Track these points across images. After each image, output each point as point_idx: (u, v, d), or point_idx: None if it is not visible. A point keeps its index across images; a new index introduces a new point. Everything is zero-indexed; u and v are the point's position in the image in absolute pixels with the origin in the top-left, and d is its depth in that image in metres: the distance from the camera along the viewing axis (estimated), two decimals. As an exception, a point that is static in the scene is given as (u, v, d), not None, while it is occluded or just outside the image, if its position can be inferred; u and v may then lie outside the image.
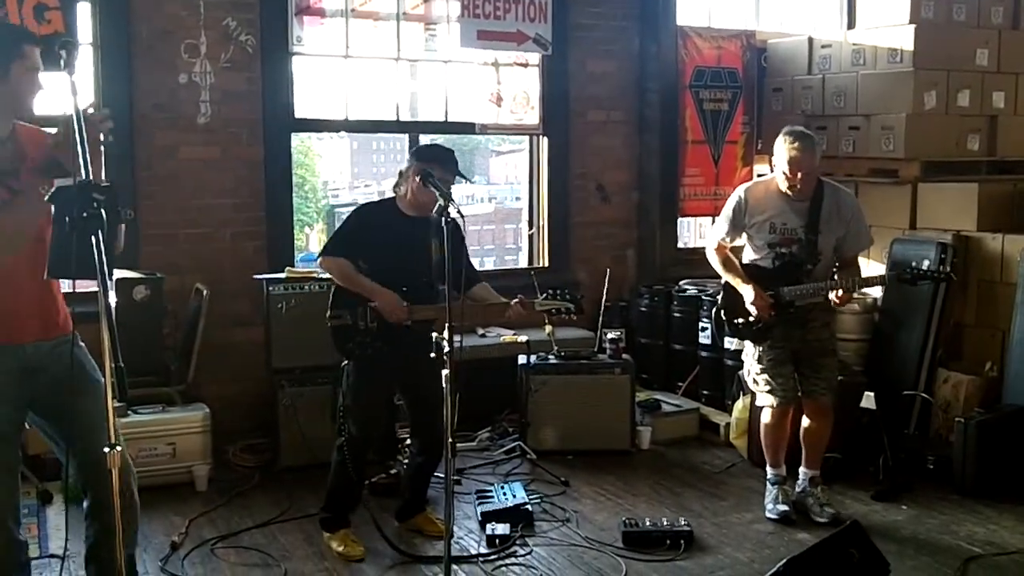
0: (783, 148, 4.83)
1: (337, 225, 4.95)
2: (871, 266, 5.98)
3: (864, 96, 6.84)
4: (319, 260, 4.73)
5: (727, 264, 5.07)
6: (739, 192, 5.09)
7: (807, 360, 5.00)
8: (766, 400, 5.06)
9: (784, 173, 4.83)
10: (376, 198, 5.31)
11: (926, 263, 4.58)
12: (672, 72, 7.53)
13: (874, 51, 6.79)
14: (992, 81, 6.83)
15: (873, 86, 6.78)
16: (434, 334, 4.21)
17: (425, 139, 6.93)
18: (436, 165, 4.49)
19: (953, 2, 6.87)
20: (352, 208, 5.12)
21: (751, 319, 4.97)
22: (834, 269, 4.92)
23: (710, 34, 7.73)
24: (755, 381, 5.09)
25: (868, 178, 6.75)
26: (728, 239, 5.09)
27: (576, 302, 4.65)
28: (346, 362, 4.73)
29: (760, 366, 5.03)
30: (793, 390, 5.02)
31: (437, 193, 4.15)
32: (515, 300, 4.61)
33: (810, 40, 7.34)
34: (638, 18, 7.49)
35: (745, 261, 5.09)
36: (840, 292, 4.75)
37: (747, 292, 4.92)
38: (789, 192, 4.87)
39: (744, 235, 5.07)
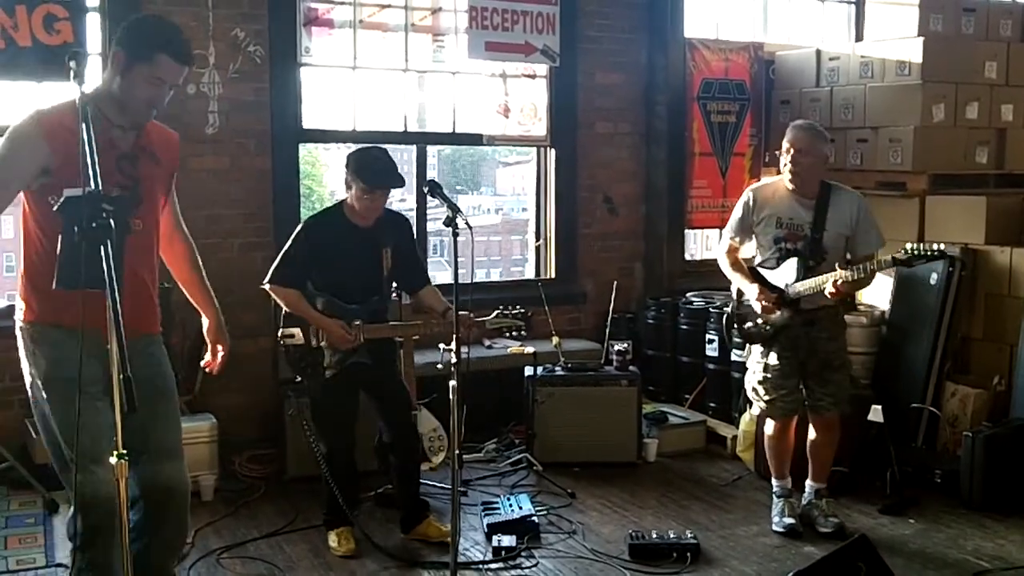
0: (787, 132, 4.94)
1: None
2: (880, 279, 5.96)
3: (872, 109, 6.83)
4: (267, 285, 4.70)
5: (735, 265, 5.10)
6: (747, 192, 5.16)
7: (814, 374, 4.99)
8: (757, 410, 5.08)
9: (786, 152, 4.89)
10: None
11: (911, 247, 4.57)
12: (680, 84, 7.54)
13: (882, 63, 6.79)
14: (1000, 94, 6.82)
15: (881, 99, 6.78)
16: (441, 345, 4.23)
17: (432, 150, 6.94)
18: (358, 180, 4.47)
19: (962, 15, 6.87)
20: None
21: (759, 322, 4.98)
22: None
23: (718, 46, 7.73)
24: (753, 390, 5.10)
25: (876, 191, 6.73)
26: (738, 240, 5.12)
27: (526, 320, 4.66)
28: (300, 379, 4.79)
29: (762, 375, 5.03)
30: (793, 404, 5.01)
31: (445, 205, 4.11)
32: (461, 313, 4.57)
33: (818, 52, 7.34)
34: (646, 30, 7.50)
35: (753, 264, 5.13)
36: (839, 282, 4.61)
37: (751, 289, 4.94)
38: (788, 176, 4.90)
39: (753, 238, 5.09)
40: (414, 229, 4.20)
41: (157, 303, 3.50)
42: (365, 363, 4.63)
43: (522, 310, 4.69)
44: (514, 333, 4.66)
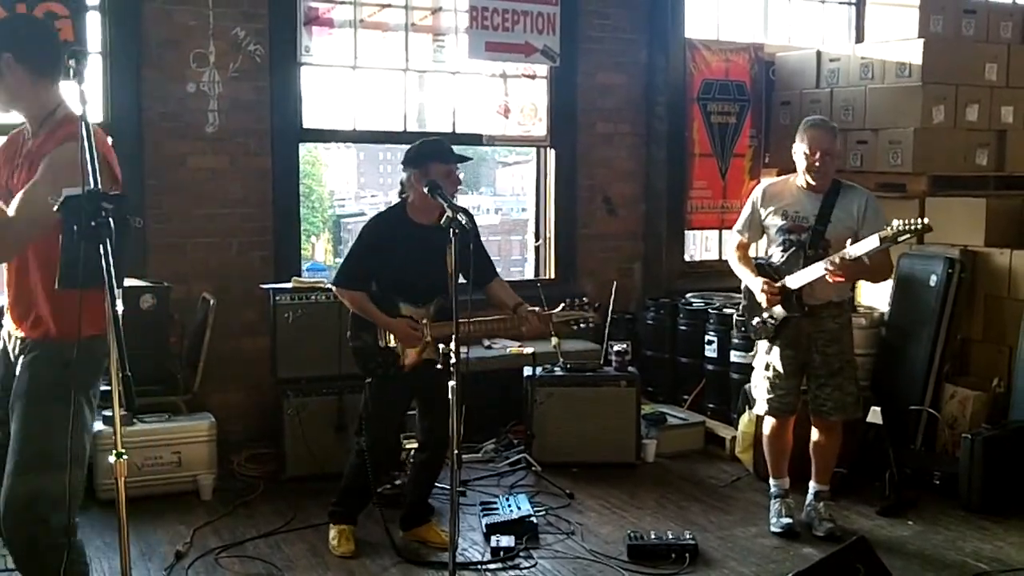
0: (802, 131, 4.90)
1: (343, 236, 4.90)
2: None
3: (872, 110, 6.83)
4: (334, 288, 4.73)
5: (743, 260, 5.11)
6: (757, 189, 5.17)
7: (815, 377, 4.99)
8: (759, 408, 5.10)
9: (805, 154, 4.85)
10: (383, 208, 5.25)
11: (897, 223, 4.52)
12: (680, 85, 7.54)
13: (882, 65, 6.78)
14: (1001, 96, 6.82)
15: (881, 100, 6.78)
16: (441, 345, 4.22)
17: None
18: (434, 162, 4.48)
19: (962, 17, 6.87)
20: (358, 218, 5.06)
21: (764, 316, 4.98)
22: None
23: (718, 47, 7.73)
24: (755, 386, 5.12)
25: (876, 192, 6.67)
26: (746, 236, 5.13)
27: (595, 311, 4.65)
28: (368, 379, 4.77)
29: (763, 372, 5.04)
30: (790, 404, 5.02)
31: (444, 204, 4.10)
32: (531, 308, 4.58)
33: (818, 53, 7.34)
34: (646, 31, 7.50)
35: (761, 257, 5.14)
36: (834, 266, 4.61)
37: (755, 283, 4.94)
38: (810, 177, 4.88)
39: (764, 235, 5.10)
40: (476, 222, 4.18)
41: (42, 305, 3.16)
42: (432, 360, 4.58)
43: (587, 300, 4.67)
44: (582, 325, 4.64)
